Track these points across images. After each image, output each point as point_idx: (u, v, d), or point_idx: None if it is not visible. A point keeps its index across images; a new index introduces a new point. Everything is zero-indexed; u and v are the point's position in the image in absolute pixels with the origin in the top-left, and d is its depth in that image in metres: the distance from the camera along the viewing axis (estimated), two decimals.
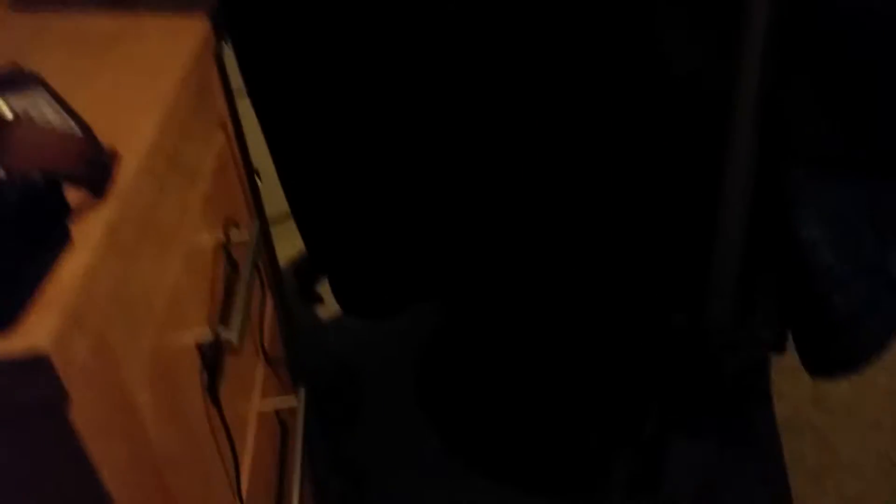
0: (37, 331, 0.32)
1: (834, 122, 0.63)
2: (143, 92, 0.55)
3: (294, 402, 0.80)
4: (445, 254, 0.84)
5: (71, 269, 0.36)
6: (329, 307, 1.34)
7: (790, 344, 0.77)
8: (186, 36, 0.65)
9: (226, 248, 0.66)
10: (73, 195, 0.40)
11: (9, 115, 0.35)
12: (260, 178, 0.87)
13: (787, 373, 0.97)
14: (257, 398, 0.74)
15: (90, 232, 0.39)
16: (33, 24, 0.71)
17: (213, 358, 0.57)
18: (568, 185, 0.74)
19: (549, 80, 0.67)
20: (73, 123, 0.46)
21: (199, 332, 0.56)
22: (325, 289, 1.30)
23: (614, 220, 0.75)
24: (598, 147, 0.71)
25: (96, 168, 0.42)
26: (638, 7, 0.61)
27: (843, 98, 0.61)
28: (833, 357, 0.70)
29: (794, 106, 0.63)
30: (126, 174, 0.44)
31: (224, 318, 0.62)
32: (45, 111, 0.48)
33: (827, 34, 0.59)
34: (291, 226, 0.92)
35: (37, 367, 0.31)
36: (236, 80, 0.79)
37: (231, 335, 0.57)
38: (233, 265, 0.68)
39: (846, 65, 0.60)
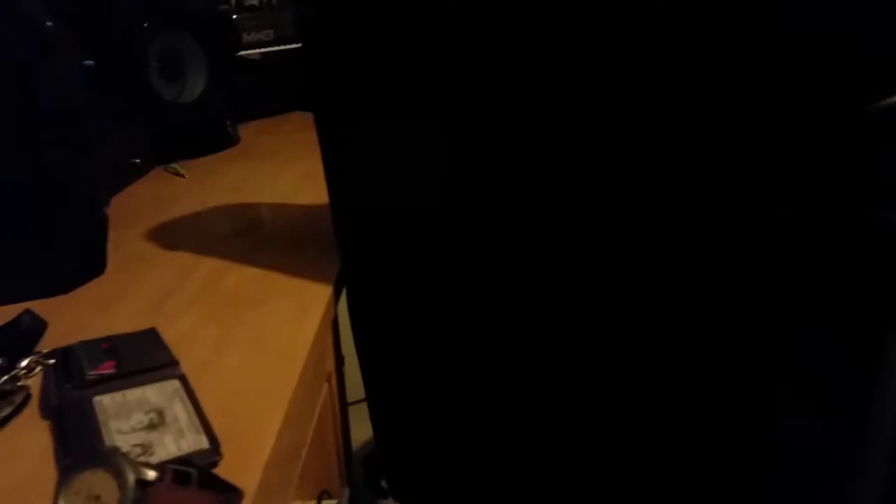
0: None
1: None
2: (269, 380, 0.55)
3: None
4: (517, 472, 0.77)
5: None
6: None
7: None
8: (313, 304, 0.67)
9: None
10: None
11: (150, 476, 0.33)
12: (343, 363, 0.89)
13: None
14: None
15: None
16: (167, 279, 0.75)
17: None
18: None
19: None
20: (204, 438, 0.45)
21: None
22: None
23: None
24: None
25: None
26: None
27: None
28: None
29: None
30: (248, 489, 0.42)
31: None
32: (179, 416, 0.47)
33: None
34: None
35: None
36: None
37: None
38: None
39: None
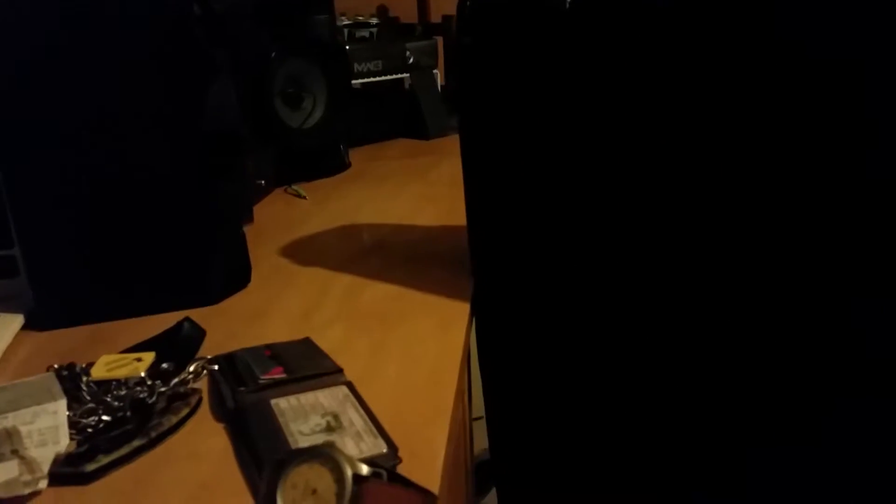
0: None
1: None
2: (429, 392, 0.55)
3: None
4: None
5: None
6: None
7: None
8: (454, 321, 0.68)
9: None
10: None
11: (365, 471, 0.33)
12: None
13: None
14: None
15: None
16: (308, 294, 0.77)
17: None
18: None
19: None
20: (382, 442, 0.46)
21: None
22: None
23: None
24: None
25: None
26: None
27: None
28: None
29: None
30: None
31: None
32: (354, 420, 0.48)
33: None
34: None
35: None
36: None
37: None
38: None
39: None
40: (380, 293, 0.77)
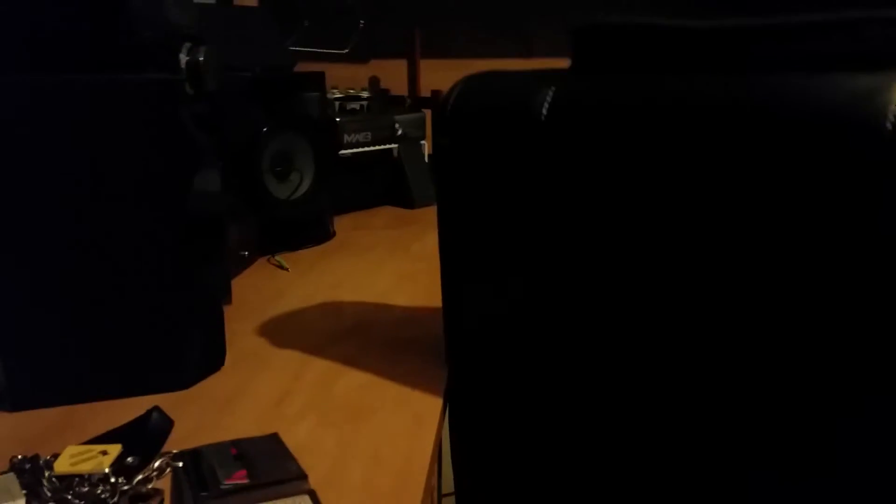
0: None
1: None
2: (392, 499, 0.55)
3: None
4: None
5: None
6: None
7: None
8: (427, 416, 0.68)
9: None
10: None
11: None
12: None
13: None
14: None
15: None
16: (282, 379, 0.77)
17: None
18: None
19: None
20: None
21: None
22: None
23: None
24: None
25: None
26: None
27: None
28: None
29: None
30: None
31: None
32: None
33: None
34: None
35: None
36: None
37: None
38: None
39: None
40: (353, 382, 0.78)
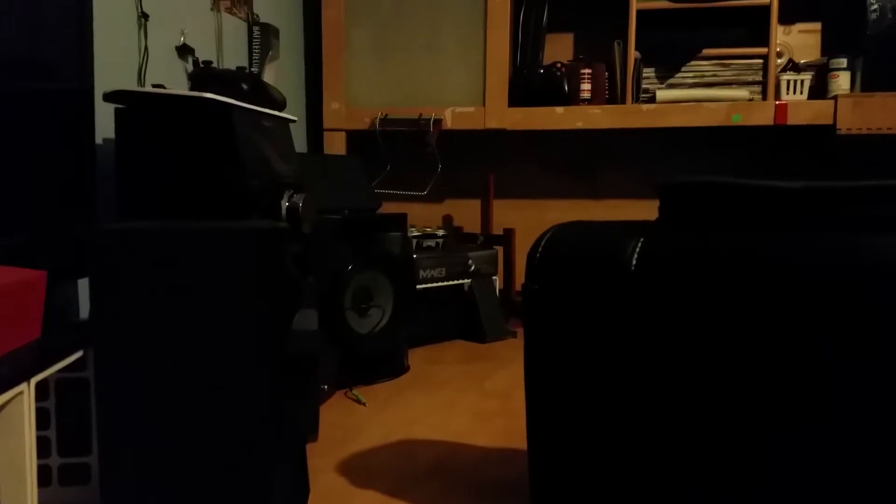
0: None
1: None
2: None
3: None
4: None
5: None
6: None
7: None
8: None
9: None
10: None
11: None
12: None
13: None
14: None
15: None
16: None
17: None
18: None
19: None
20: None
21: None
22: None
23: None
24: None
25: None
26: None
27: None
28: None
29: None
30: None
31: None
32: None
33: None
34: None
35: None
36: None
37: None
38: None
39: None
40: None
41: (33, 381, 0.58)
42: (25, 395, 0.57)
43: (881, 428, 0.56)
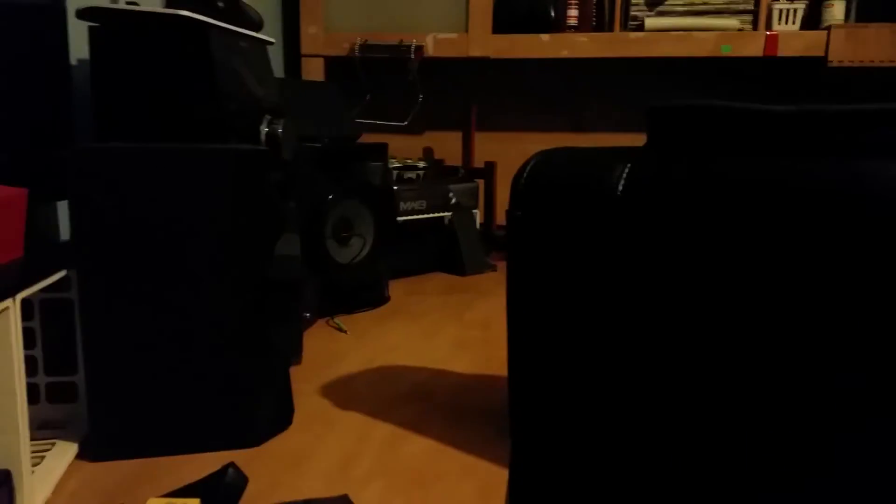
0: None
1: None
2: None
3: None
4: None
5: None
6: None
7: None
8: (493, 488, 0.67)
9: None
10: None
11: None
12: None
13: None
14: None
15: None
16: (347, 441, 0.78)
17: None
18: None
19: None
20: None
21: None
22: None
23: None
24: None
25: None
26: None
27: None
28: None
29: None
30: None
31: None
32: None
33: None
34: None
35: None
36: None
37: None
38: None
39: None
40: (418, 447, 0.78)
41: (18, 297, 0.58)
42: (12, 310, 0.57)
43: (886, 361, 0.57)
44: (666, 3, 1.80)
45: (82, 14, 0.90)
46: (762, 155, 0.60)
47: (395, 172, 1.64)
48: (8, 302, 0.57)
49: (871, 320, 0.57)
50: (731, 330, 0.64)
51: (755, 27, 1.75)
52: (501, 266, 1.76)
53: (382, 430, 0.82)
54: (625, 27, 1.80)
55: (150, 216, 0.73)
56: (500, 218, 1.93)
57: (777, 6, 1.75)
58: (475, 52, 1.78)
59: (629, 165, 0.66)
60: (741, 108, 0.60)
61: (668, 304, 0.66)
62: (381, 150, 1.39)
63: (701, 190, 0.63)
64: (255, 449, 0.77)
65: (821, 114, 0.57)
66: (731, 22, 1.75)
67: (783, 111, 0.58)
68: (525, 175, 0.75)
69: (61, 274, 0.69)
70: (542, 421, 0.76)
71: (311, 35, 1.83)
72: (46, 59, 0.89)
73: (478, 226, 1.78)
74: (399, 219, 1.58)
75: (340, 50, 1.81)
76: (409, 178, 1.67)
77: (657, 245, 0.66)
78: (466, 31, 1.78)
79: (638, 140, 0.74)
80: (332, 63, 1.85)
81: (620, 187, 0.67)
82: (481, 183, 1.83)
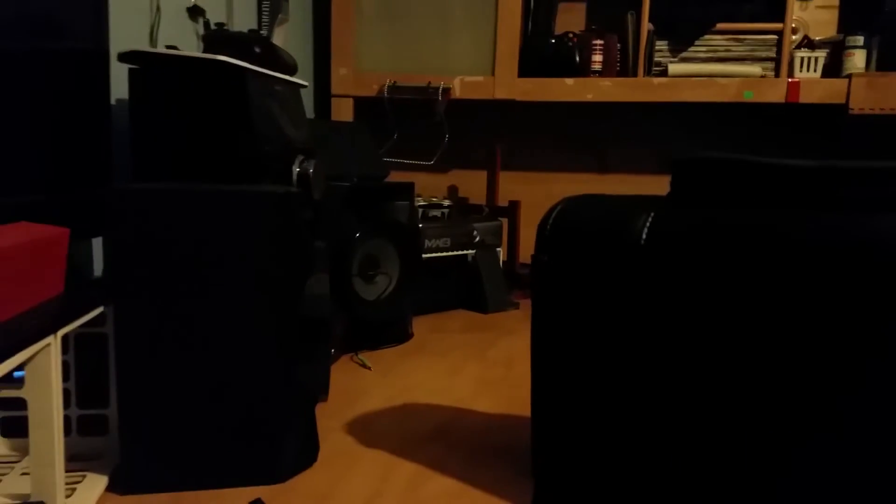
0: None
1: None
2: None
3: None
4: None
5: None
6: None
7: None
8: None
9: None
10: None
11: None
12: None
13: None
14: None
15: None
16: (371, 479, 0.79)
17: None
18: None
19: None
20: None
21: None
22: None
23: None
24: None
25: None
26: None
27: None
28: None
29: None
30: None
31: None
32: None
33: None
34: None
35: None
36: None
37: None
38: None
39: None
40: (440, 487, 0.78)
41: (59, 333, 0.60)
42: (53, 346, 0.59)
43: None
44: (689, 49, 1.83)
45: (124, 57, 0.94)
46: (779, 207, 0.61)
47: (420, 210, 1.67)
48: (49, 338, 0.59)
49: (883, 364, 0.57)
50: (748, 375, 0.64)
51: (777, 74, 1.76)
52: (524, 304, 1.76)
53: (405, 469, 0.83)
54: (648, 72, 1.82)
55: (185, 254, 0.75)
56: (524, 256, 1.94)
57: (799, 54, 1.76)
58: (501, 94, 1.82)
59: (652, 215, 0.68)
60: (756, 161, 0.62)
61: (688, 349, 0.66)
62: (407, 189, 1.42)
63: (717, 241, 0.64)
64: (281, 485, 0.78)
65: (836, 169, 0.57)
66: (754, 69, 1.77)
67: (799, 165, 0.59)
68: (551, 221, 0.76)
69: (99, 310, 0.71)
70: (566, 461, 0.76)
71: (342, 76, 1.88)
72: (88, 101, 0.93)
73: (501, 264, 1.79)
74: (423, 256, 1.60)
75: (370, 91, 1.86)
76: (435, 216, 1.70)
77: (678, 292, 0.67)
78: (493, 74, 1.82)
79: (662, 181, 0.75)
80: (360, 103, 1.90)
81: (644, 236, 0.68)
82: (505, 221, 1.85)
